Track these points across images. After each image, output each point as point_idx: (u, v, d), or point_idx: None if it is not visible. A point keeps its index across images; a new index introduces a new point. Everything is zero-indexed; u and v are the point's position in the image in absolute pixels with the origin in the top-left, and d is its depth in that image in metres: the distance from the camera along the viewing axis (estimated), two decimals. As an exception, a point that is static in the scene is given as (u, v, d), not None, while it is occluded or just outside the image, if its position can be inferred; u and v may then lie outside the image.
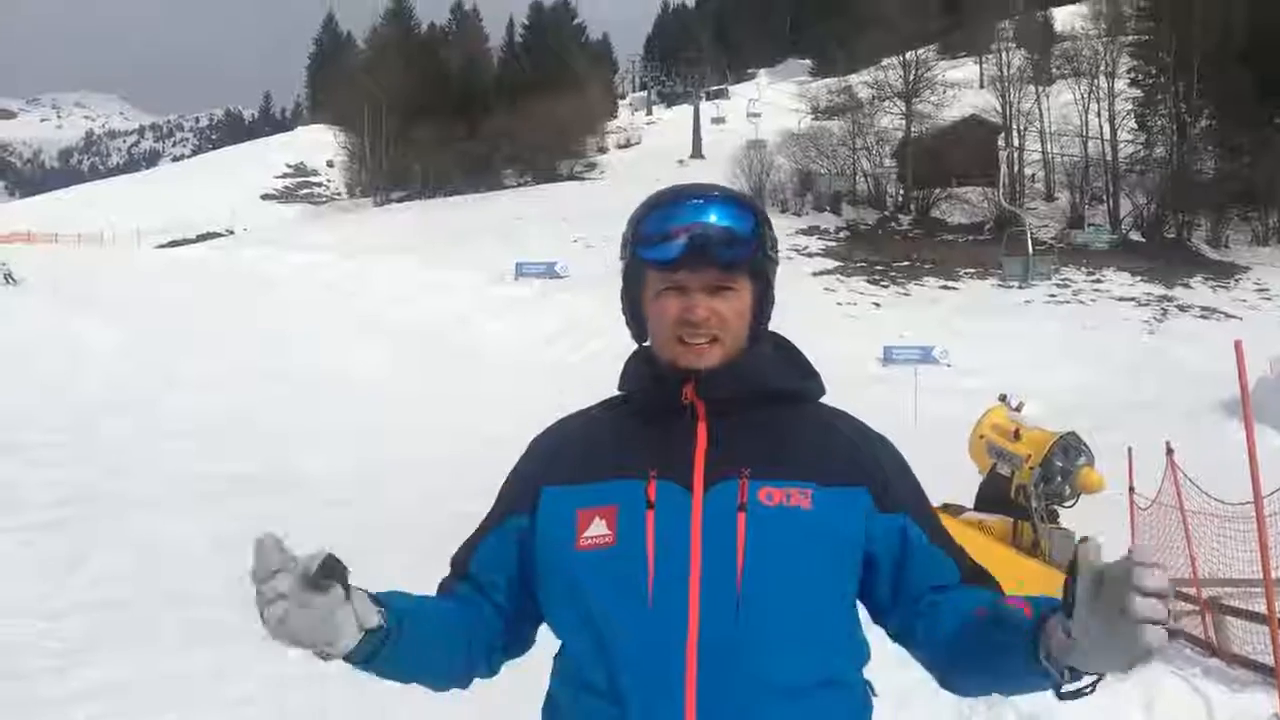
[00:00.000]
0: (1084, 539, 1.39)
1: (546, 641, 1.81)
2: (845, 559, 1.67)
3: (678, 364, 1.70)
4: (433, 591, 1.80)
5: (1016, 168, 68.44)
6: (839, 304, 49.68)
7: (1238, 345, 5.74)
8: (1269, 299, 49.53)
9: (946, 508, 9.50)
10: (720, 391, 1.69)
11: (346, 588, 1.48)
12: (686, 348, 1.69)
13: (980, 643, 1.58)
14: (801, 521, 1.62)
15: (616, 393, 1.83)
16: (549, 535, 1.69)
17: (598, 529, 1.64)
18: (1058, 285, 51.81)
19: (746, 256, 1.70)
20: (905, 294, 52.36)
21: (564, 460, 1.74)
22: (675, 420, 1.70)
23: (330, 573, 1.44)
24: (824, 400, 1.84)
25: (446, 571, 1.83)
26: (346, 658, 1.51)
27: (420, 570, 2.03)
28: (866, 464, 1.71)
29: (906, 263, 56.95)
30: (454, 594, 1.77)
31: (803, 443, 1.70)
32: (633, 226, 1.73)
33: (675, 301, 1.69)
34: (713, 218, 1.67)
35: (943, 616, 1.66)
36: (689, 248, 1.65)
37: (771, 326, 1.81)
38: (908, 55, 71.62)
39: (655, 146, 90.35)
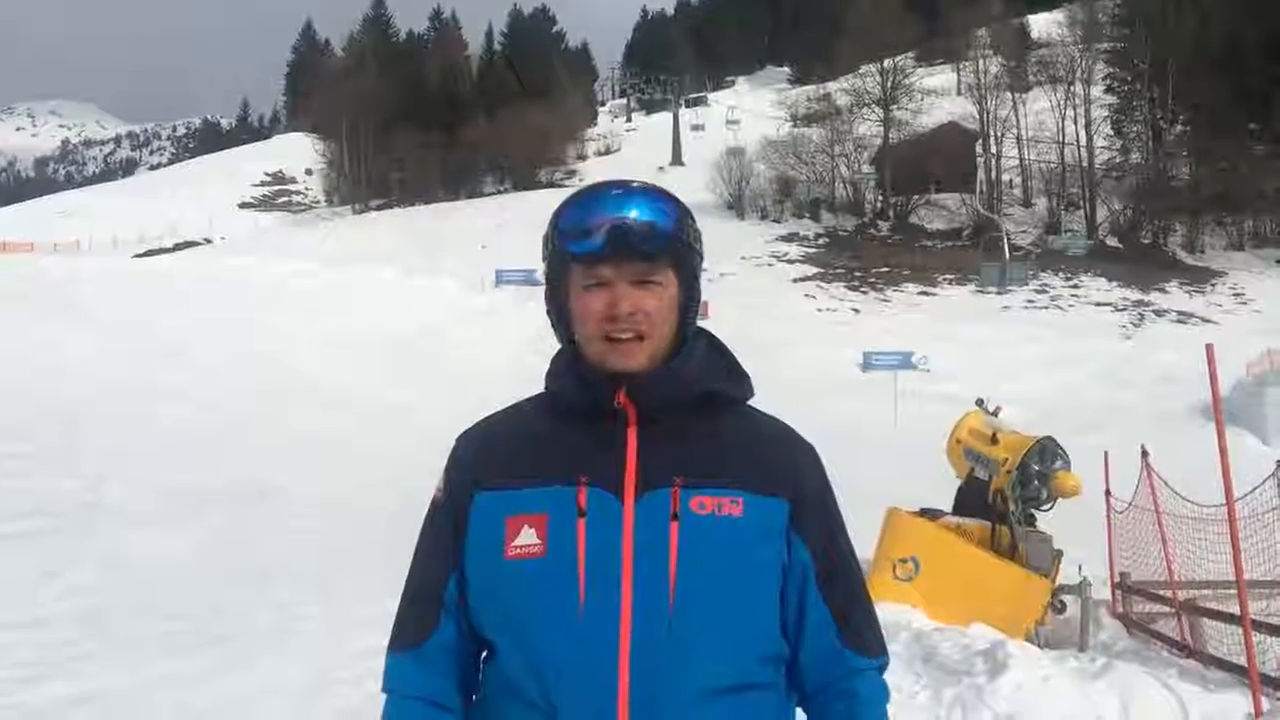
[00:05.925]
0: None
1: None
2: (772, 564, 1.67)
3: (605, 365, 1.67)
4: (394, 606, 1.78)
5: (994, 174, 68.92)
6: (819, 310, 49.91)
7: (1209, 349, 5.78)
8: (1244, 303, 50.05)
9: (925, 512, 9.54)
10: (652, 397, 1.66)
11: None
12: (613, 346, 1.66)
13: None
14: (733, 529, 1.62)
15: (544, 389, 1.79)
16: (479, 543, 1.67)
17: (527, 538, 1.62)
18: (1035, 291, 52.19)
19: (668, 246, 1.67)
20: (885, 300, 52.61)
21: (492, 462, 1.71)
22: (605, 424, 1.67)
23: None
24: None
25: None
26: None
27: (391, 589, 1.98)
28: (790, 476, 1.71)
29: (885, 269, 57.23)
30: (443, 631, 1.72)
31: (734, 449, 1.69)
32: (554, 222, 1.70)
33: (599, 296, 1.66)
34: (633, 211, 1.65)
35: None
36: (610, 239, 1.63)
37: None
38: (885, 63, 72.13)
39: (635, 154, 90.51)
